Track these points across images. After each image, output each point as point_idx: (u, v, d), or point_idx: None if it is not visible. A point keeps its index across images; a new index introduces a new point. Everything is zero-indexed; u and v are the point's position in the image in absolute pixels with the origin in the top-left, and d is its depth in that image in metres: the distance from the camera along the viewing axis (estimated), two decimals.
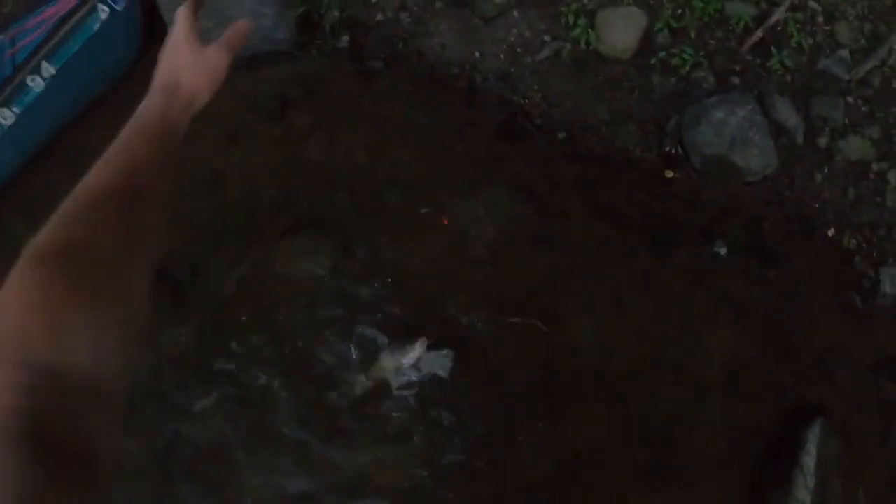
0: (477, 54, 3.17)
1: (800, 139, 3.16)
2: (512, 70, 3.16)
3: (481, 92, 3.11)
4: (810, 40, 3.44)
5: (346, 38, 3.27)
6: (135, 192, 0.78)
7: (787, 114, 3.13)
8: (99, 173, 0.79)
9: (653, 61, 3.20)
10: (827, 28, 3.49)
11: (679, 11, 3.35)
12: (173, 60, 0.98)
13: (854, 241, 3.10)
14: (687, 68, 3.19)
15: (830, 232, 3.10)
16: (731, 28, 3.35)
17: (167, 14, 3.34)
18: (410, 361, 2.59)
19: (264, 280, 2.78)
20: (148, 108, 0.92)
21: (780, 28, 3.43)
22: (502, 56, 3.19)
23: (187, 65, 0.97)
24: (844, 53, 3.46)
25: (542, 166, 2.87)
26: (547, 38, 3.23)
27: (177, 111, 0.93)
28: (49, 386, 0.56)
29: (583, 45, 3.19)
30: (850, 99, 3.35)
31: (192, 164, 2.95)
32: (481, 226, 2.70)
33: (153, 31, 3.29)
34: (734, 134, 2.87)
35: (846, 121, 3.29)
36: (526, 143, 2.94)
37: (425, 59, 3.21)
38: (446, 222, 2.62)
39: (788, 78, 3.33)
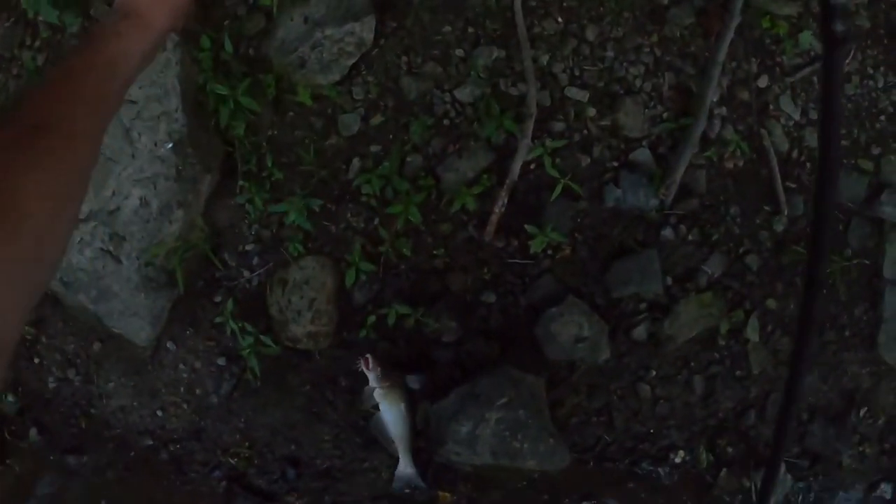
0: (159, 412, 2.13)
1: (603, 354, 2.02)
2: (203, 423, 2.12)
3: (184, 463, 2.13)
4: (586, 160, 2.08)
5: (34, 429, 2.28)
6: (61, 127, 0.63)
7: (575, 328, 1.96)
8: (33, 96, 0.66)
9: (364, 333, 2.05)
10: (605, 123, 2.09)
11: (372, 226, 2.05)
12: None
13: (712, 452, 2.09)
14: (411, 322, 2.03)
15: (679, 457, 2.11)
16: (460, 211, 2.05)
17: None
18: None
19: None
20: (97, 33, 0.77)
21: (533, 169, 2.09)
22: (185, 406, 2.12)
23: None
24: (643, 155, 2.07)
25: None
26: (221, 360, 2.09)
27: (131, 41, 0.77)
28: None
29: (264, 352, 2.07)
30: (667, 232, 2.09)
31: None
32: None
33: None
34: (493, 447, 1.80)
35: (668, 281, 2.08)
36: None
37: (114, 430, 2.21)
38: None
39: (567, 251, 2.08)
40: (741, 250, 1.99)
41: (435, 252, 1.96)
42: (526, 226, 1.90)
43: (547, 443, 1.75)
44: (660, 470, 1.99)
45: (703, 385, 1.99)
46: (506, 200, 1.92)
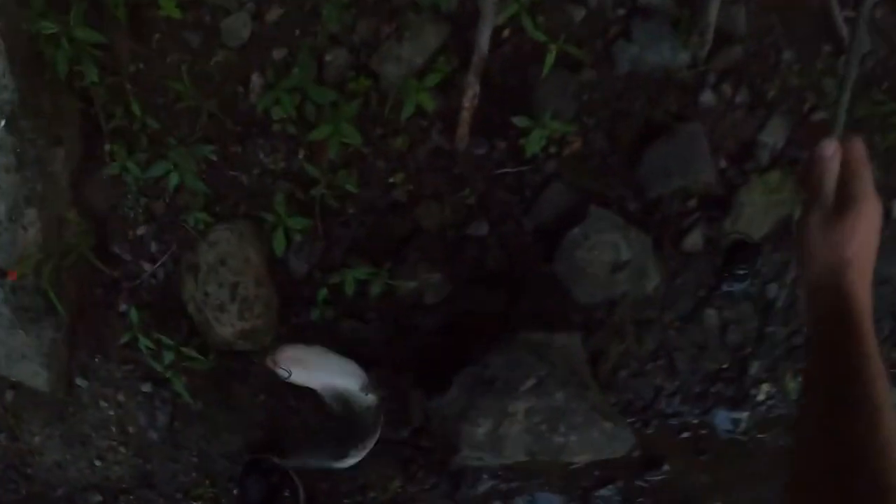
0: (97, 461, 1.60)
1: (653, 280, 1.41)
2: (149, 465, 1.54)
3: None
4: (580, 12, 1.42)
5: None
6: None
7: (609, 251, 1.35)
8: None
9: (317, 313, 1.45)
10: None
11: (296, 163, 1.39)
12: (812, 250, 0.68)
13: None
14: (378, 287, 1.45)
15: (763, 392, 1.54)
16: (416, 115, 1.43)
17: None
18: None
19: None
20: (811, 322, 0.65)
21: (509, 37, 1.45)
22: (123, 449, 1.56)
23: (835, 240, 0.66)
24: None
25: None
26: (146, 387, 1.50)
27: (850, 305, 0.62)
28: None
29: (192, 366, 1.50)
30: (707, 97, 1.45)
31: None
32: None
33: None
34: (527, 445, 1.22)
35: (721, 163, 1.48)
36: None
37: (57, 490, 1.68)
38: None
39: (576, 144, 1.47)
40: (805, 107, 1.40)
41: (391, 180, 1.37)
42: (513, 118, 1.31)
43: (601, 428, 1.20)
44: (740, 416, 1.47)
45: (783, 295, 1.44)
46: (478, 89, 1.31)
